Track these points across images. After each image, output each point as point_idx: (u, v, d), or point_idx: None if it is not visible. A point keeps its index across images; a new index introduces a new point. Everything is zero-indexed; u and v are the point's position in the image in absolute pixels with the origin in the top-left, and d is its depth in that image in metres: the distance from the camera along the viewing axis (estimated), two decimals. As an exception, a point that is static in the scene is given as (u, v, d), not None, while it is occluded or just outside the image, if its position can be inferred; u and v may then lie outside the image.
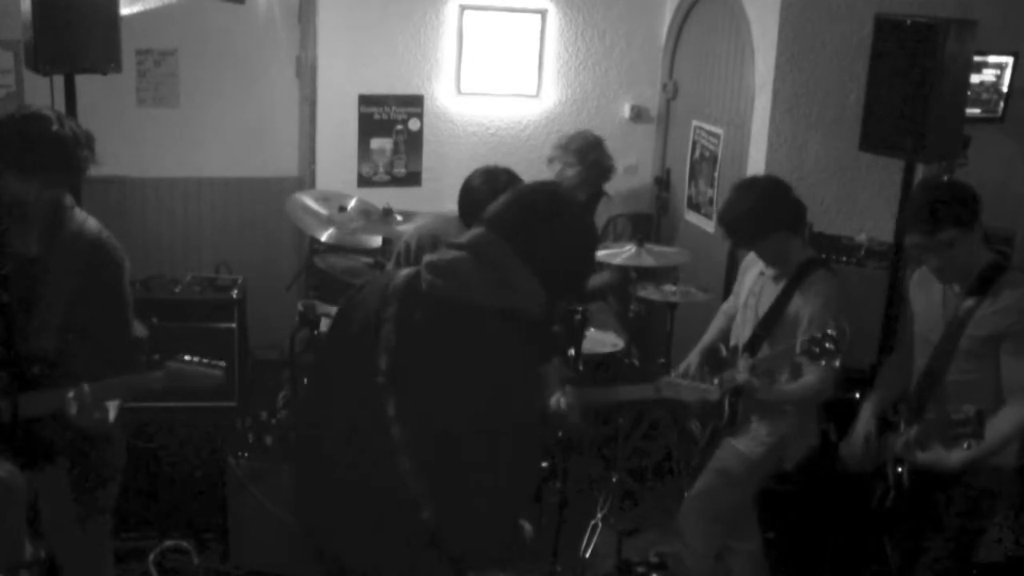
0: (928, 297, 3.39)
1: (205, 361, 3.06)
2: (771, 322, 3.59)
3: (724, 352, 3.80)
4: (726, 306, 4.04)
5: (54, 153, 2.81)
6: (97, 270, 2.96)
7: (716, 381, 3.59)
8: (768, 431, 3.64)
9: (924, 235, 3.15)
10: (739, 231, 3.65)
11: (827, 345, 3.26)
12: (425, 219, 4.19)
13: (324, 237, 4.77)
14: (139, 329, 3.20)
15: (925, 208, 3.15)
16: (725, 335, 3.90)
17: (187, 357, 3.02)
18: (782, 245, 3.59)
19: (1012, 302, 3.13)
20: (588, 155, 5.13)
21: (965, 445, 2.95)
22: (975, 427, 2.93)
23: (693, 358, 3.90)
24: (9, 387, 2.81)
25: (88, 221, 3.01)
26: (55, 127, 2.81)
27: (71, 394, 2.84)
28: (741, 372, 3.53)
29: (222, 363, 3.07)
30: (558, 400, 3.39)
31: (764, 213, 3.55)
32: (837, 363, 3.30)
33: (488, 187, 3.47)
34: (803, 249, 3.66)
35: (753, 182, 3.75)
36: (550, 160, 5.25)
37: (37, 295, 2.88)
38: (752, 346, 3.63)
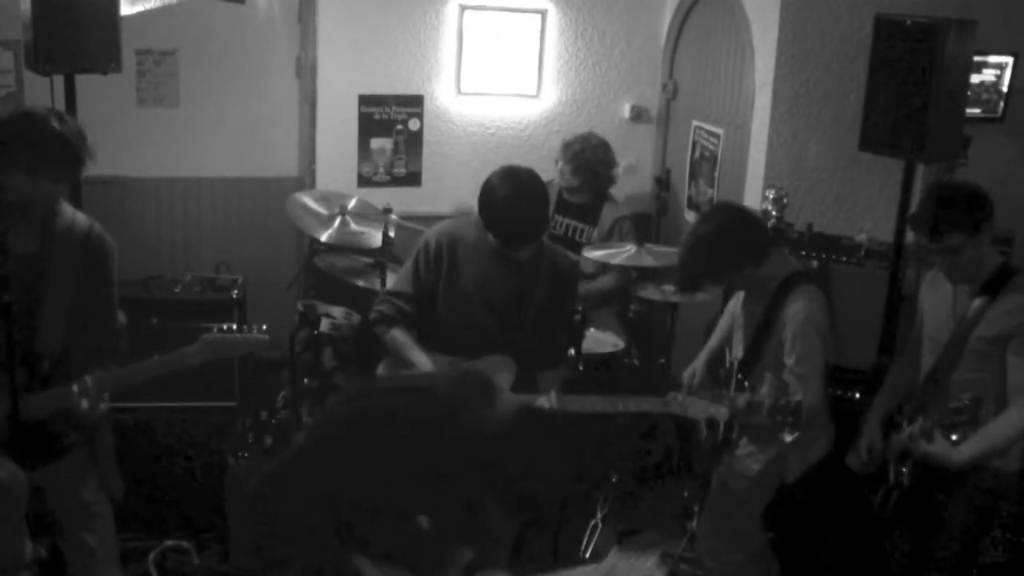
0: (937, 298, 3.39)
1: (243, 328, 3.12)
2: (760, 342, 3.49)
3: (728, 359, 3.72)
4: (731, 306, 3.93)
5: (60, 150, 2.84)
6: (95, 261, 3.02)
7: (726, 400, 3.43)
8: (763, 448, 3.55)
9: (928, 240, 3.16)
10: (690, 285, 3.58)
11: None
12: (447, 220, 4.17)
13: (324, 237, 4.78)
14: (120, 317, 3.22)
15: (931, 213, 3.16)
16: (730, 338, 3.80)
17: (224, 326, 3.08)
18: (748, 276, 3.47)
19: (1022, 303, 3.14)
20: (585, 157, 5.08)
21: (959, 435, 2.96)
22: (971, 415, 2.94)
23: (699, 364, 3.82)
24: (28, 385, 2.85)
25: (76, 215, 3.06)
26: (56, 124, 2.85)
27: (75, 388, 2.85)
28: (740, 402, 3.37)
29: (264, 326, 3.13)
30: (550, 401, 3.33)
31: (713, 268, 3.44)
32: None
33: (508, 187, 3.47)
34: (783, 264, 3.50)
35: (696, 236, 3.48)
36: (557, 160, 5.23)
37: (43, 291, 2.91)
38: (745, 367, 3.53)
